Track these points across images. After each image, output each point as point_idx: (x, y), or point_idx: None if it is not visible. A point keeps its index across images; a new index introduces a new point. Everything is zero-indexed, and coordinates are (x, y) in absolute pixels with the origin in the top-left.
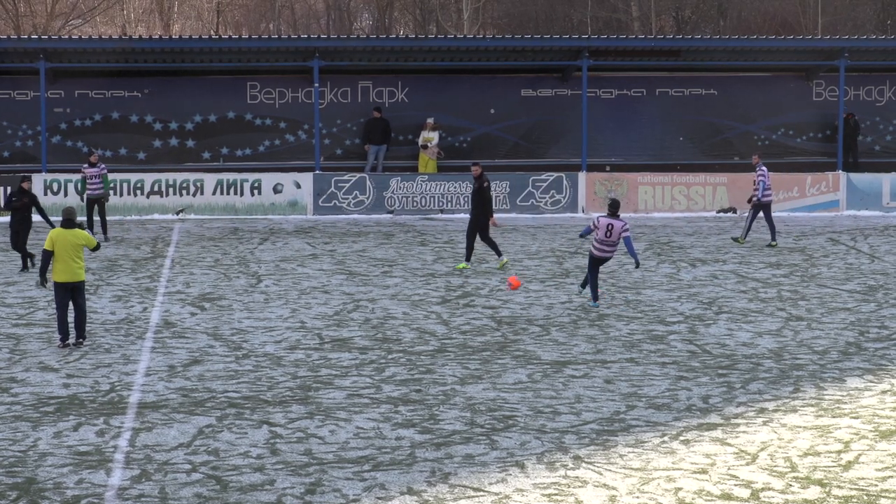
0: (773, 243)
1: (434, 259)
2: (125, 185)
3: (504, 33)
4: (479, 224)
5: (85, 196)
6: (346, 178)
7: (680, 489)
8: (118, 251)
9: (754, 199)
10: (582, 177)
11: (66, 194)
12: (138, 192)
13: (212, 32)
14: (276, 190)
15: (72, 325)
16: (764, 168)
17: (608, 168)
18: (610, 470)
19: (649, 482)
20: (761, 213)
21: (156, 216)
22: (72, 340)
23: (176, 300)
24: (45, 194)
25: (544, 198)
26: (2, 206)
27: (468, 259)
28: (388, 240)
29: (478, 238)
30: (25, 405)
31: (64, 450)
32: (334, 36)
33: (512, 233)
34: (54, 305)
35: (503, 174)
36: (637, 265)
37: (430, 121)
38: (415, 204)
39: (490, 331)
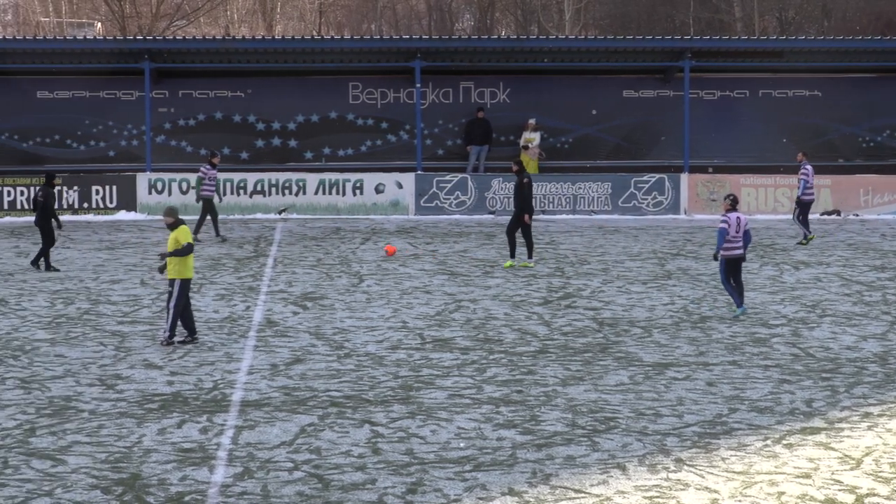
0: (807, 239)
1: (536, 260)
2: (228, 184)
3: (606, 34)
4: (519, 220)
5: (199, 196)
6: (447, 178)
7: (783, 493)
8: (221, 250)
9: (798, 197)
10: (684, 178)
11: (169, 193)
12: (241, 191)
13: (314, 33)
14: (378, 190)
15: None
16: (808, 167)
17: (710, 169)
18: (712, 473)
19: (752, 486)
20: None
21: (258, 216)
22: (179, 338)
23: (278, 299)
24: (150, 193)
25: (646, 199)
26: (32, 206)
27: (512, 255)
28: (489, 240)
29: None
30: (130, 402)
31: (168, 446)
32: (436, 36)
33: (614, 234)
34: (170, 304)
35: (604, 175)
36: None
37: (532, 121)
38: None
39: (591, 332)
